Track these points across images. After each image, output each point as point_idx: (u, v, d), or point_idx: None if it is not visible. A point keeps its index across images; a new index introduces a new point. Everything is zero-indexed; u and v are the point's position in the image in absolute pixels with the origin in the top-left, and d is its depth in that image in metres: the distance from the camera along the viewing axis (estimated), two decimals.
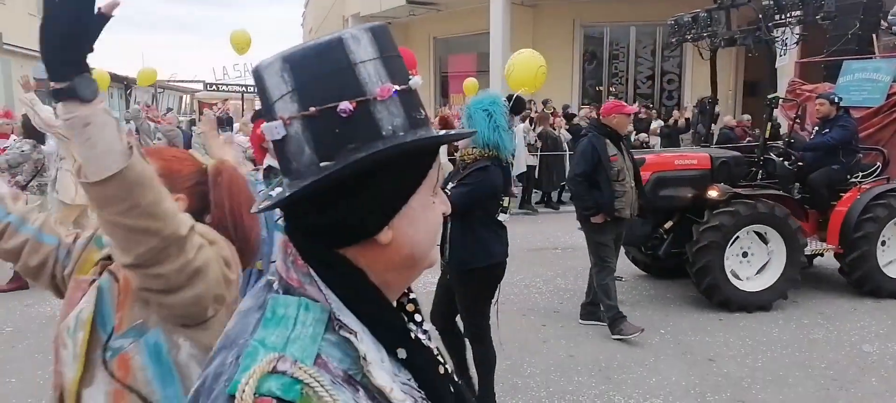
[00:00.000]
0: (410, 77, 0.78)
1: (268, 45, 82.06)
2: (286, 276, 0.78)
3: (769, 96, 6.04)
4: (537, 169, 11.85)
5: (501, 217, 10.62)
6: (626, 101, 17.11)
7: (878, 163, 6.61)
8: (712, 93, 6.86)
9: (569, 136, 12.60)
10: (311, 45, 0.76)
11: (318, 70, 0.74)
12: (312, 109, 0.72)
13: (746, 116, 13.38)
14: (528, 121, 12.66)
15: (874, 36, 9.22)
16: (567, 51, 18.67)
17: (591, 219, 5.05)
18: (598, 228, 5.07)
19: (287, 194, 0.74)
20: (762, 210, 5.64)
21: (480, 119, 3.14)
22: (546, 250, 8.36)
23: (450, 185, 3.28)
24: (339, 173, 0.71)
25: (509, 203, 12.44)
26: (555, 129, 12.36)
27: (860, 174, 6.43)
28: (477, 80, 12.73)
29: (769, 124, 6.11)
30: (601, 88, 18.86)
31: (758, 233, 5.77)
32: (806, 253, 6.08)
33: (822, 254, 6.50)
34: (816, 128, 6.74)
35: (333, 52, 0.74)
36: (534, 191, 12.09)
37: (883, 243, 6.12)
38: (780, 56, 5.81)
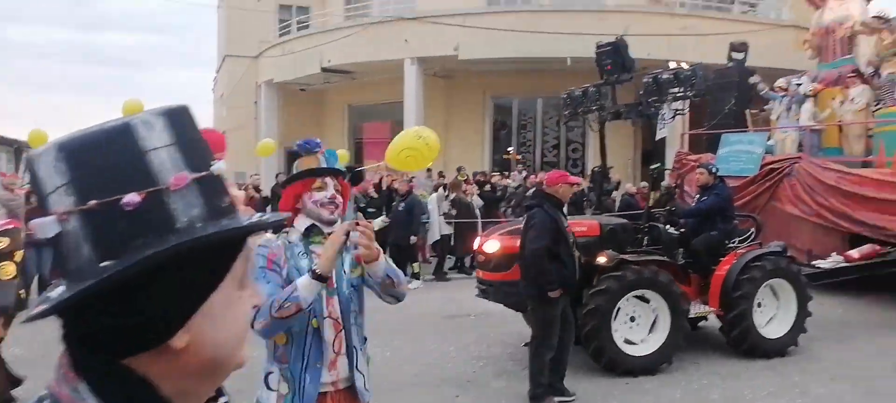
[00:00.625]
0: (213, 162, 0.73)
1: None
2: (57, 391, 0.69)
3: (652, 167, 6.40)
4: (451, 235, 11.95)
5: (414, 284, 10.35)
6: (534, 168, 17.82)
7: (752, 229, 7.07)
8: (602, 162, 7.22)
9: (481, 203, 12.86)
10: (92, 131, 0.70)
11: (100, 159, 0.67)
12: (92, 203, 0.66)
13: (644, 184, 14.16)
14: (441, 188, 12.88)
15: (747, 112, 10.17)
16: (478, 120, 19.28)
17: (548, 294, 4.85)
18: (552, 303, 4.89)
19: (64, 298, 0.65)
20: (630, 278, 5.79)
21: None
22: (460, 317, 8.28)
23: None
24: (122, 274, 0.64)
25: (420, 268, 12.18)
26: (467, 196, 12.58)
27: (737, 239, 6.84)
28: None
29: (653, 193, 6.45)
30: (508, 156, 19.49)
31: (637, 297, 5.95)
32: (691, 316, 6.34)
33: (706, 318, 6.81)
34: (697, 195, 7.20)
35: (119, 139, 0.69)
36: (447, 257, 12.15)
37: (759, 305, 6.47)
38: (660, 129, 6.20)
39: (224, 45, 23.56)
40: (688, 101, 6.22)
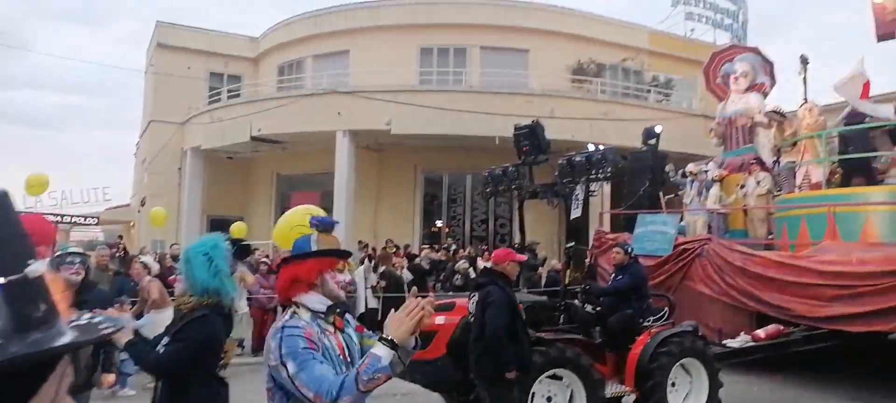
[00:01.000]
0: (30, 261, 0.61)
1: (98, 174, 76.79)
2: None
3: (567, 245, 6.54)
4: (379, 309, 11.70)
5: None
6: (463, 241, 17.94)
7: (666, 309, 7.26)
8: (521, 240, 7.34)
9: (410, 276, 12.73)
10: None
11: None
12: None
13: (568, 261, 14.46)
14: (368, 260, 12.70)
15: (661, 194, 10.69)
16: (409, 194, 19.39)
17: (506, 376, 4.69)
18: (508, 386, 4.72)
19: None
20: (539, 361, 5.69)
21: (199, 263, 2.90)
22: (384, 397, 7.95)
23: (164, 340, 2.98)
24: None
25: None
26: (396, 269, 12.44)
27: (651, 318, 6.99)
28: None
29: (569, 270, 6.55)
30: (436, 229, 19.61)
31: (550, 376, 5.91)
32: (608, 395, 6.34)
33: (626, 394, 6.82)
34: (614, 274, 7.37)
35: None
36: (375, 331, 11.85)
37: (672, 384, 6.57)
38: (574, 209, 6.39)
39: (150, 110, 22.99)
40: (600, 183, 6.46)
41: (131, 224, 24.89)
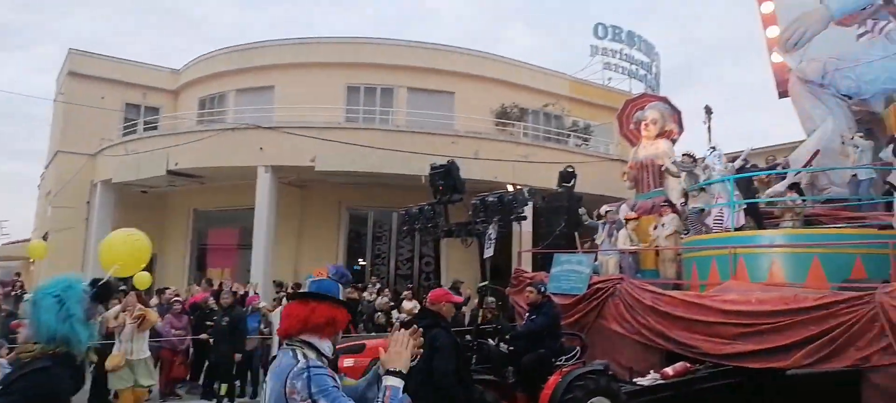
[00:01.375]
0: None
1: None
2: None
3: (480, 285, 6.56)
4: None
5: None
6: (388, 279, 17.72)
7: (578, 348, 7.37)
8: (436, 277, 7.30)
9: None
10: None
11: None
12: None
13: (491, 300, 14.52)
14: (286, 299, 12.29)
15: (576, 234, 10.99)
16: (333, 231, 19.06)
17: None
18: None
19: None
20: None
21: (48, 306, 2.57)
22: None
23: None
24: None
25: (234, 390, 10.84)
26: None
27: (563, 357, 7.07)
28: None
29: (482, 310, 6.56)
30: (358, 267, 19.31)
31: None
32: None
33: None
34: (528, 313, 7.44)
35: None
36: None
37: None
38: (487, 248, 6.43)
39: (58, 140, 21.70)
40: (513, 223, 6.56)
41: (31, 260, 23.18)
